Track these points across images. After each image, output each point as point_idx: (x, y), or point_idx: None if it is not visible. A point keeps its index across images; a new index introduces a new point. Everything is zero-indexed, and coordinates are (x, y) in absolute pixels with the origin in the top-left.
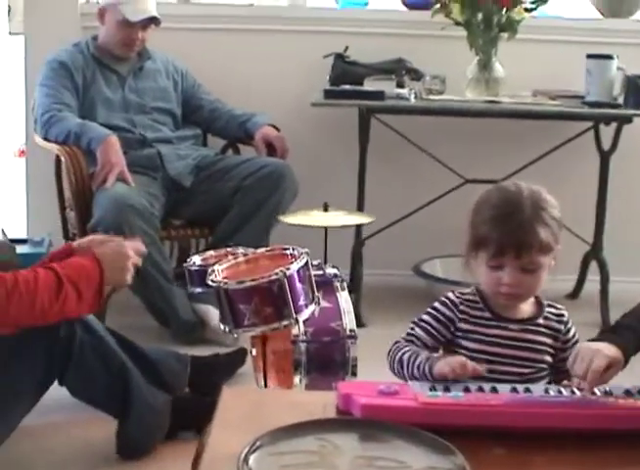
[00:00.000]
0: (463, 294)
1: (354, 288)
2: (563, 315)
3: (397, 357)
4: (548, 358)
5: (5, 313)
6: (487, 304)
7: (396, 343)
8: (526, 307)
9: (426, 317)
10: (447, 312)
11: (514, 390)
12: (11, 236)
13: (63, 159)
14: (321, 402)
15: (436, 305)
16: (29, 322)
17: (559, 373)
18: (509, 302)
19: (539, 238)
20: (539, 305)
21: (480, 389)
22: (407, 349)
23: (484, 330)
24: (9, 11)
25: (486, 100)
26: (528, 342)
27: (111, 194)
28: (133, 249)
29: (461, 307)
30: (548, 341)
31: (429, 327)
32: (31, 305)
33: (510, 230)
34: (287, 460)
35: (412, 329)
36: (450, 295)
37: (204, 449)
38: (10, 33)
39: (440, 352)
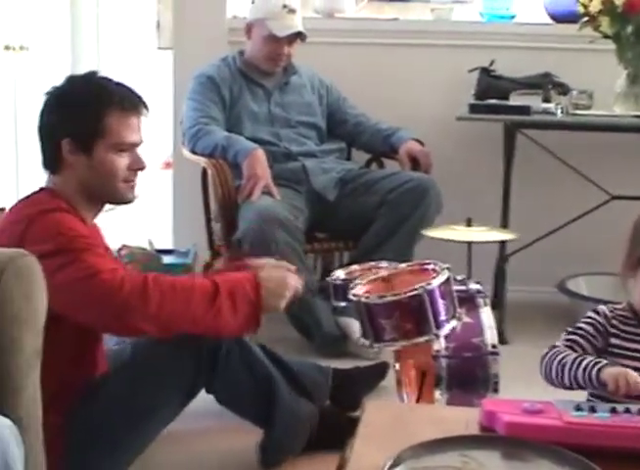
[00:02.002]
0: (616, 309)
1: (498, 304)
2: None
3: (559, 359)
4: None
5: (159, 312)
6: None
7: (555, 347)
8: None
9: (583, 325)
10: (602, 321)
11: None
12: (157, 246)
13: (209, 171)
14: (463, 419)
15: (591, 314)
16: (182, 326)
17: None
18: None
19: None
20: None
21: (628, 410)
22: (570, 351)
23: (634, 345)
24: (157, 26)
25: (635, 115)
26: None
27: (256, 207)
28: (295, 283)
29: (613, 322)
30: None
31: (587, 335)
32: (185, 309)
33: None
34: None
35: (569, 334)
36: (604, 308)
37: (346, 463)
38: (159, 48)
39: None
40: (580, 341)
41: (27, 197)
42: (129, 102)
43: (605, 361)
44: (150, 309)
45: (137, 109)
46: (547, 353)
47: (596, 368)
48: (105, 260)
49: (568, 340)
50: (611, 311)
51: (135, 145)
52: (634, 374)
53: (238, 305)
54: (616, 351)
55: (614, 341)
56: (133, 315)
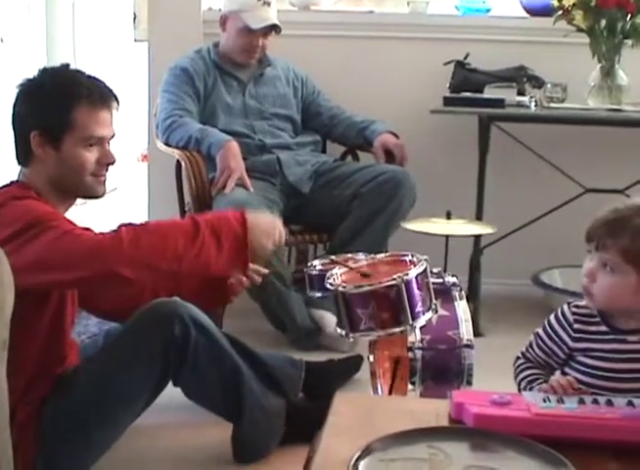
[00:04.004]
0: (578, 308)
1: (472, 297)
2: None
3: (517, 381)
4: None
5: (135, 251)
6: (604, 316)
7: (517, 359)
8: None
9: (541, 333)
10: (560, 331)
11: (630, 403)
12: None
13: (183, 164)
14: (434, 411)
15: (552, 320)
16: (163, 264)
17: None
18: (586, 299)
19: (627, 241)
20: None
21: (596, 401)
22: (525, 374)
23: (602, 346)
24: (134, 18)
25: (609, 108)
26: None
27: (230, 199)
28: (281, 228)
29: (575, 326)
30: None
31: (543, 345)
32: (163, 245)
33: (605, 222)
34: (396, 467)
35: (530, 345)
36: (566, 310)
37: (315, 454)
38: (135, 41)
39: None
40: (538, 352)
41: None
42: (98, 95)
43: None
44: (125, 249)
45: (107, 103)
46: (514, 365)
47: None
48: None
49: (527, 351)
50: (573, 314)
51: (104, 139)
52: (563, 377)
53: (223, 241)
54: (585, 352)
55: (581, 345)
56: (110, 259)
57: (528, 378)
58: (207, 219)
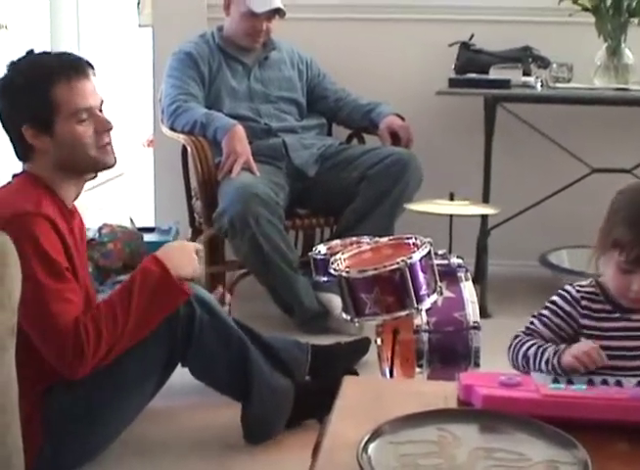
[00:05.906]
0: (582, 286)
1: (480, 278)
2: None
3: (522, 352)
4: None
5: (94, 363)
6: (608, 296)
7: (517, 337)
8: None
9: (545, 312)
10: (567, 308)
11: (639, 384)
12: (139, 224)
13: (189, 149)
14: (442, 393)
15: (556, 298)
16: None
17: None
18: (635, 305)
19: None
20: None
21: (605, 382)
22: (531, 343)
23: (607, 324)
24: (138, 3)
25: (615, 87)
26: None
27: (236, 183)
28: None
29: (583, 303)
30: None
31: (549, 322)
32: (117, 348)
33: None
34: (406, 449)
35: (532, 323)
36: (570, 289)
37: (324, 437)
38: (139, 26)
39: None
40: (542, 329)
41: (9, 182)
42: (70, 67)
43: (562, 346)
44: (87, 364)
45: (81, 72)
46: (511, 345)
47: (556, 358)
48: (64, 307)
49: (528, 328)
50: (578, 291)
51: (93, 109)
52: (591, 346)
53: (159, 295)
54: (589, 332)
55: (586, 322)
56: (72, 369)
57: (537, 344)
58: (141, 298)
